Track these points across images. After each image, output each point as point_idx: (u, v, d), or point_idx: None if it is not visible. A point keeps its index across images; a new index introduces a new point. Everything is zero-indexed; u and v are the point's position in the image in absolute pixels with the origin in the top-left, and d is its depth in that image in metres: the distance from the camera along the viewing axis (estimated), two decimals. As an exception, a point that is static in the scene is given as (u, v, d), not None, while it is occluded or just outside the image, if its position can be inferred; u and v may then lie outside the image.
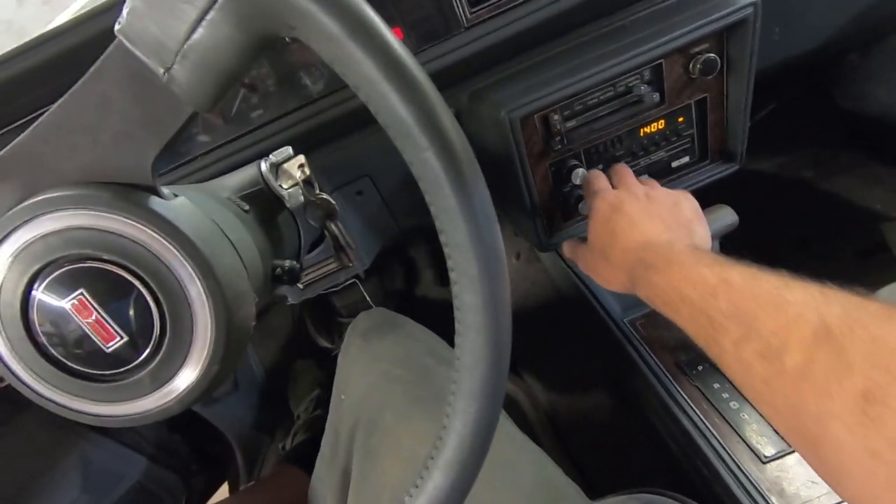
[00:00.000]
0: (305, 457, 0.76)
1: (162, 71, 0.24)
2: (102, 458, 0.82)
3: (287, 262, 0.39)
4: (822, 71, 1.05)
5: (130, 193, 0.27)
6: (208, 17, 0.22)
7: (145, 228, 0.26)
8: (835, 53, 0.98)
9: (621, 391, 0.73)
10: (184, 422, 1.00)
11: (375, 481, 0.43)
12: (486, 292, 0.24)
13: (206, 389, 0.29)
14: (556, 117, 0.57)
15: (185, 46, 0.23)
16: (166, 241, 0.27)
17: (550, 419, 0.87)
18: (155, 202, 0.27)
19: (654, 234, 0.43)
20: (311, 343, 1.11)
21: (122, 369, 0.28)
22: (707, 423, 0.53)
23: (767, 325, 0.27)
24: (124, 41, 0.24)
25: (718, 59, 0.57)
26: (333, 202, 0.42)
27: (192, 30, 0.23)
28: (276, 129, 0.57)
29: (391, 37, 0.22)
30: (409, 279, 1.13)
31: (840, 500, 0.45)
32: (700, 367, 0.59)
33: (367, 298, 0.88)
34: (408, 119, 0.22)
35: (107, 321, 0.27)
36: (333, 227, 0.43)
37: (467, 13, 0.53)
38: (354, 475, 0.46)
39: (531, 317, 0.95)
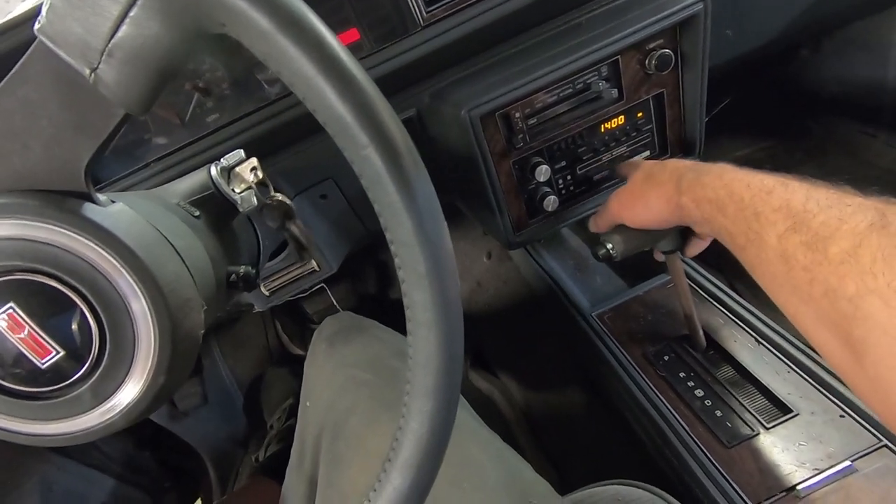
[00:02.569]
0: (279, 468, 0.75)
1: (88, 71, 0.23)
2: (65, 480, 0.79)
3: (242, 268, 0.38)
4: (776, 65, 1.09)
5: (62, 201, 0.26)
6: (132, 13, 0.21)
7: (78, 237, 0.25)
8: (787, 49, 1.02)
9: (593, 385, 0.74)
10: (153, 438, 0.97)
11: (342, 487, 0.43)
12: (435, 288, 0.24)
13: (152, 402, 0.28)
14: (517, 115, 0.58)
15: (109, 45, 0.22)
16: (102, 249, 0.25)
17: (526, 416, 0.87)
18: (89, 209, 0.26)
19: (698, 161, 0.44)
20: (284, 351, 1.09)
21: (60, 385, 0.27)
22: (674, 412, 0.54)
23: (819, 218, 0.27)
24: (46, 41, 0.23)
25: (672, 55, 0.58)
26: (289, 202, 0.41)
27: (116, 27, 0.22)
28: (233, 133, 0.56)
29: (325, 30, 0.22)
30: (382, 282, 1.12)
31: (801, 480, 0.46)
32: (666, 357, 0.60)
33: (336, 304, 0.86)
34: (345, 115, 0.22)
35: (40, 336, 0.25)
36: (293, 227, 0.42)
37: (423, 12, 0.53)
38: (320, 482, 0.45)
39: (504, 315, 0.95)
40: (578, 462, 0.78)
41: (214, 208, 0.38)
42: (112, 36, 0.22)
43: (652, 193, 0.46)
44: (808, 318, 0.27)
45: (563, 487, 0.53)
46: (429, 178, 0.24)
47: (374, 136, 0.22)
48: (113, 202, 0.28)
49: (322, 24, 0.22)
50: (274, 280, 0.69)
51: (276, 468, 0.84)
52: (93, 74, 0.23)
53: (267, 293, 0.70)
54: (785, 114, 1.12)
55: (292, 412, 0.92)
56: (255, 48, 0.22)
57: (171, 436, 0.96)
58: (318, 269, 0.70)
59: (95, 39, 0.22)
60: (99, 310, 0.26)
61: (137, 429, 0.94)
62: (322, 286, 0.92)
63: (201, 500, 0.99)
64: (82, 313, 0.26)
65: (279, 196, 0.41)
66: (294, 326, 1.07)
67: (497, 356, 0.96)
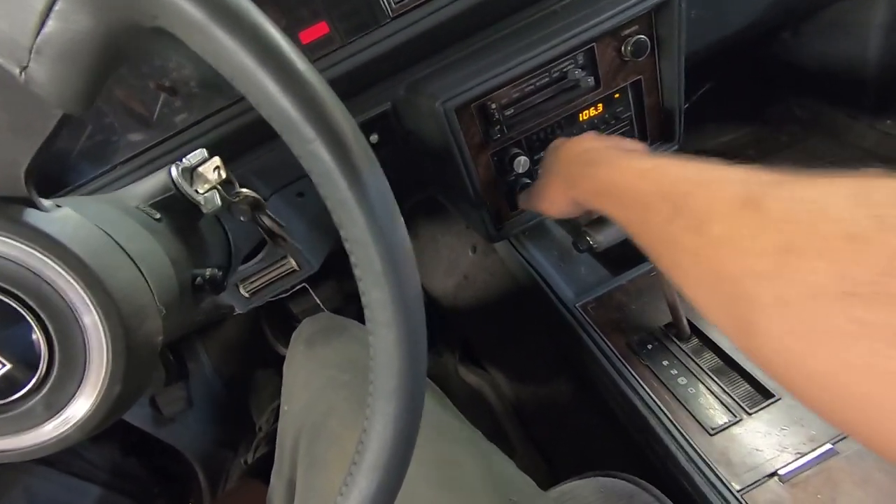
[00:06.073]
0: (269, 469, 0.74)
1: (18, 70, 0.22)
2: (49, 491, 0.78)
3: (208, 271, 0.37)
4: (757, 49, 1.09)
5: (1, 207, 0.24)
6: (57, 7, 0.20)
7: (19, 244, 0.24)
8: (767, 32, 1.01)
9: (579, 377, 0.74)
10: (140, 444, 0.95)
11: (320, 490, 0.42)
12: (393, 286, 0.23)
13: (109, 413, 0.27)
14: (493, 106, 0.57)
15: (37, 41, 0.21)
16: (46, 256, 0.24)
17: (516, 409, 0.87)
18: (30, 214, 0.25)
19: (593, 143, 0.46)
20: (271, 352, 1.08)
21: (10, 399, 0.25)
22: (657, 401, 0.54)
23: (694, 199, 0.27)
24: None
25: (648, 41, 0.57)
26: (257, 194, 0.40)
27: (42, 22, 0.20)
28: (203, 131, 0.55)
29: (262, 19, 0.21)
30: (368, 279, 1.11)
31: (783, 464, 0.46)
32: (650, 346, 0.60)
33: (320, 303, 0.85)
34: (288, 109, 0.21)
35: (-16, 348, 0.24)
36: (264, 218, 0.41)
37: (392, 3, 0.52)
38: (299, 485, 0.44)
39: (492, 308, 0.94)
40: (568, 453, 0.78)
41: (177, 210, 0.37)
42: (39, 31, 0.21)
43: (550, 188, 0.48)
44: (702, 302, 0.27)
45: (554, 479, 0.53)
46: (381, 172, 0.23)
47: (321, 129, 0.21)
48: (58, 207, 0.27)
49: (259, 12, 0.21)
50: (254, 281, 0.68)
51: (265, 470, 0.83)
52: (23, 73, 0.22)
53: (247, 295, 0.69)
54: (767, 98, 1.12)
55: (280, 413, 0.91)
56: (191, 42, 0.21)
57: (159, 441, 0.94)
58: (298, 268, 0.69)
59: (22, 36, 0.21)
60: (46, 319, 0.25)
61: (123, 435, 0.93)
62: (304, 286, 0.91)
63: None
64: (28, 324, 0.25)
65: (245, 190, 0.40)
66: (280, 327, 1.06)
67: (485, 350, 0.95)
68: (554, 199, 0.48)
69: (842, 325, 0.19)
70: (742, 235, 0.24)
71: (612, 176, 0.36)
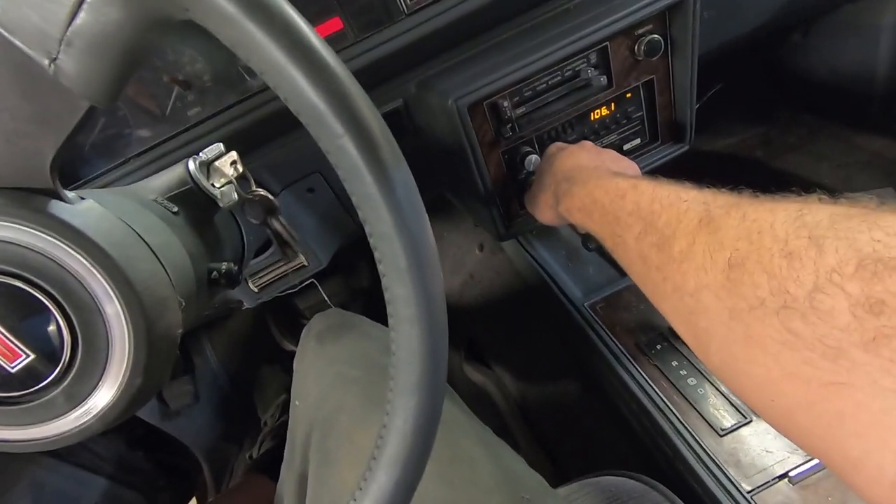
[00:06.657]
0: (273, 464, 0.74)
1: (47, 62, 0.22)
2: (56, 482, 0.78)
3: (224, 265, 0.37)
4: (768, 51, 1.08)
5: (27, 198, 0.25)
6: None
7: (45, 235, 0.24)
8: (778, 33, 1.01)
9: (587, 376, 0.74)
10: (146, 437, 0.96)
11: (332, 486, 0.42)
12: (416, 283, 0.23)
13: (129, 404, 0.27)
14: (505, 104, 0.57)
15: (68, 33, 0.21)
16: (70, 248, 0.25)
17: (521, 408, 0.87)
18: (56, 206, 0.25)
19: (584, 161, 0.49)
20: (276, 347, 1.08)
21: (32, 390, 0.26)
22: (666, 401, 0.54)
23: (662, 218, 0.29)
24: (1, 30, 0.22)
25: (662, 40, 0.57)
26: (272, 197, 0.40)
27: (74, 14, 0.21)
28: (216, 126, 0.54)
29: (294, 14, 0.21)
30: (374, 276, 1.11)
31: (793, 466, 0.46)
32: (659, 347, 0.60)
33: (327, 299, 0.85)
34: (318, 104, 0.21)
35: (8, 339, 0.25)
36: (275, 222, 0.41)
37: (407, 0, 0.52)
38: (311, 480, 0.45)
39: (498, 307, 0.94)
40: (574, 453, 0.78)
41: (193, 204, 0.37)
42: (69, 24, 0.21)
43: (539, 198, 0.52)
44: (668, 314, 0.29)
45: (559, 478, 0.53)
46: (408, 168, 0.23)
47: (349, 124, 0.21)
48: (82, 199, 0.27)
49: (290, 6, 0.21)
50: (262, 276, 0.68)
51: (270, 465, 0.84)
52: (52, 65, 0.22)
53: (256, 290, 0.69)
54: (777, 99, 1.12)
55: (286, 408, 0.92)
56: (222, 34, 0.21)
57: (165, 435, 0.95)
58: (306, 264, 0.69)
59: (52, 28, 0.21)
60: (69, 310, 0.25)
61: (130, 429, 0.93)
62: (312, 281, 0.91)
63: (196, 499, 0.98)
64: (51, 314, 0.25)
65: (261, 191, 0.40)
66: (286, 323, 1.06)
67: (491, 348, 0.95)
68: (543, 209, 0.51)
69: (780, 335, 0.20)
70: (700, 252, 0.25)
71: (594, 194, 0.38)
